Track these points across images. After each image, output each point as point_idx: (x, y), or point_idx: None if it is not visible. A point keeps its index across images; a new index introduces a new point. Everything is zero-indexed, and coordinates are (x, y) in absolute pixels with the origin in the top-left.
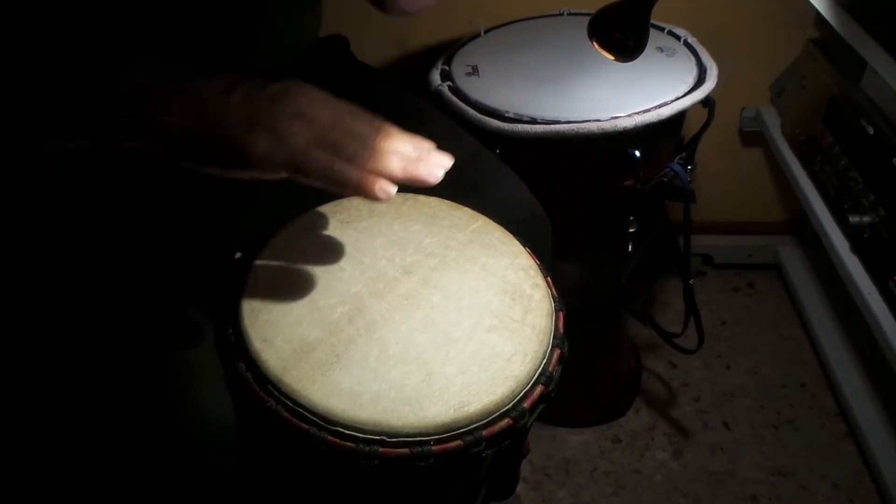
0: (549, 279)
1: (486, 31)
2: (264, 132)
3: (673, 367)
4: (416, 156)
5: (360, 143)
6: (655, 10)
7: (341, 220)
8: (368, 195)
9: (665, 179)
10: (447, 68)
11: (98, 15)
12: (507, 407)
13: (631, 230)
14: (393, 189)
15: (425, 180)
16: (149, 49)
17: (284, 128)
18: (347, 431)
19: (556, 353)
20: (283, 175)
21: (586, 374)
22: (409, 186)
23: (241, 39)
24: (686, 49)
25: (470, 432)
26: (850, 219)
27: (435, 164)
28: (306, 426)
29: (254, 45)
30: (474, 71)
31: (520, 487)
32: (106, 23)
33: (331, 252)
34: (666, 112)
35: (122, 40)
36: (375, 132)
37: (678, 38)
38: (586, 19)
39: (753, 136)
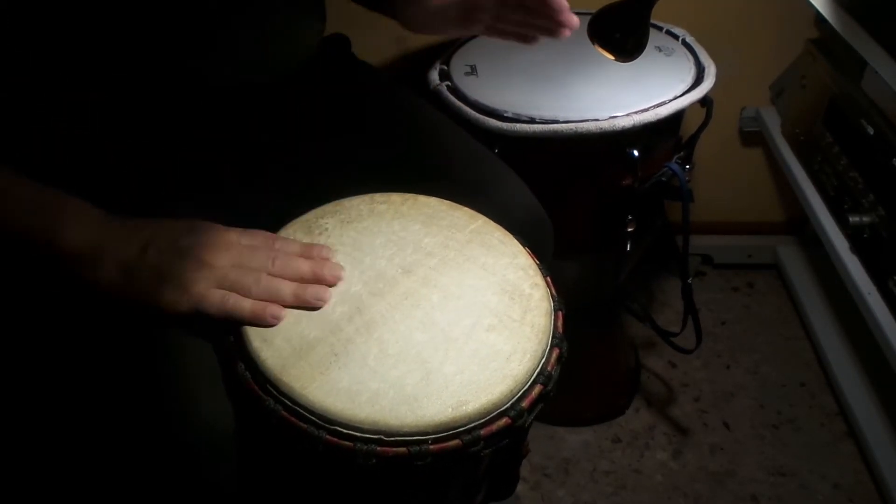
0: (548, 279)
1: None
2: (170, 284)
3: (673, 366)
4: (310, 273)
5: (255, 278)
6: (655, 9)
7: (341, 219)
8: (261, 324)
9: (663, 179)
10: (445, 68)
11: (90, 25)
12: (505, 406)
13: (629, 229)
14: (283, 313)
15: (313, 305)
16: (143, 57)
17: (187, 279)
18: (345, 430)
19: (555, 352)
20: (187, 316)
21: (585, 372)
22: (408, 187)
23: (239, 44)
24: (684, 48)
25: (468, 431)
26: (850, 219)
27: (323, 286)
28: (304, 425)
29: (253, 49)
30: (473, 70)
31: (520, 487)
32: (98, 32)
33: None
34: (664, 111)
35: (115, 50)
36: (271, 262)
37: (676, 37)
38: (585, 19)
39: (753, 136)
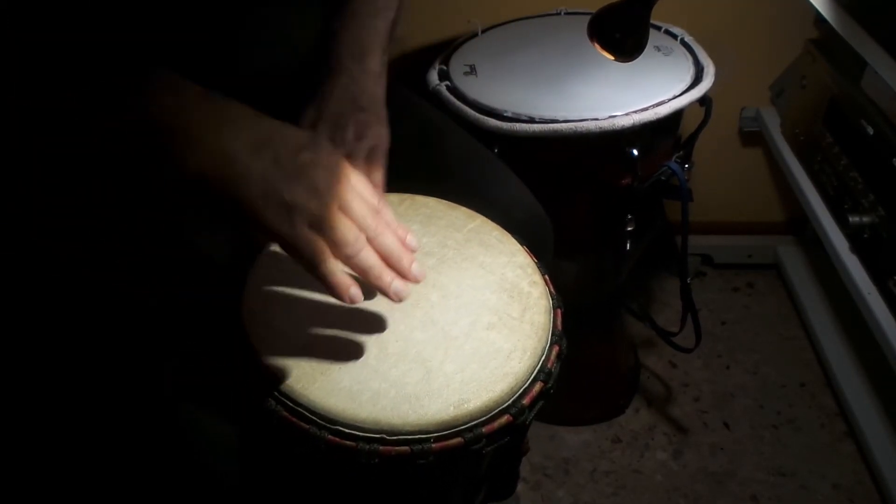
0: (546, 277)
1: (484, 31)
2: (278, 204)
3: (673, 366)
4: (396, 254)
5: (355, 236)
6: (654, 9)
7: None
8: (339, 298)
9: (663, 178)
10: (445, 68)
11: (107, 16)
12: (506, 404)
13: (629, 228)
14: (360, 297)
15: (392, 298)
16: (161, 48)
17: (297, 205)
18: (347, 430)
19: (555, 349)
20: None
21: (585, 372)
22: (407, 187)
23: (254, 33)
24: (683, 48)
25: (470, 429)
26: (850, 219)
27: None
28: (306, 425)
29: (267, 39)
30: (472, 70)
31: (520, 487)
32: (116, 22)
33: None
34: (663, 111)
35: (133, 39)
36: (374, 225)
37: (675, 37)
38: (584, 18)
39: (753, 136)
